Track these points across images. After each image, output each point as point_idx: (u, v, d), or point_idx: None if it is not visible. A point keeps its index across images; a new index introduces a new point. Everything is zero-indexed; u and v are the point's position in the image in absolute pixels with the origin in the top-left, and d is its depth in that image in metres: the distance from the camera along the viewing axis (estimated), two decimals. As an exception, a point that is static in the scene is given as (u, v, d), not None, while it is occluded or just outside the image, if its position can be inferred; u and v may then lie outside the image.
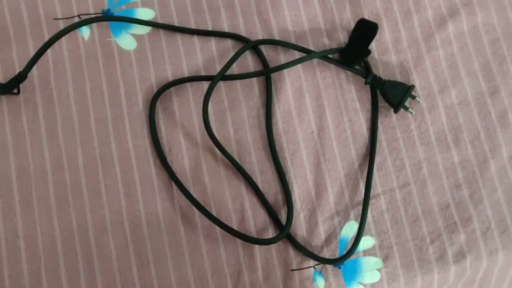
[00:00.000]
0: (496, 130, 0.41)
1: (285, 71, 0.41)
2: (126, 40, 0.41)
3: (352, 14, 0.43)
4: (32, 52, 0.40)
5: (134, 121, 0.39)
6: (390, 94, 0.40)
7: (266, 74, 0.40)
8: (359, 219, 0.38)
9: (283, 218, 0.39)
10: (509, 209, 0.40)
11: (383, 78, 0.40)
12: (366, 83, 0.41)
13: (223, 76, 0.39)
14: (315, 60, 0.41)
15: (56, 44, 0.40)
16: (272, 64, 0.41)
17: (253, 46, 0.41)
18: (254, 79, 0.41)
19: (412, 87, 0.40)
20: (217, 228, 0.38)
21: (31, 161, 0.38)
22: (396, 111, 0.40)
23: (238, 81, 0.41)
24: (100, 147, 0.39)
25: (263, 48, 0.42)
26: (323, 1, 0.43)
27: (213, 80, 0.39)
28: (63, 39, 0.40)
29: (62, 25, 0.41)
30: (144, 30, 0.41)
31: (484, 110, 0.42)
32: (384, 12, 0.43)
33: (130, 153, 0.39)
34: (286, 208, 0.39)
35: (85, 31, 0.41)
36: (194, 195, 0.38)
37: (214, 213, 0.38)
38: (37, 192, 0.38)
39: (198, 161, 0.39)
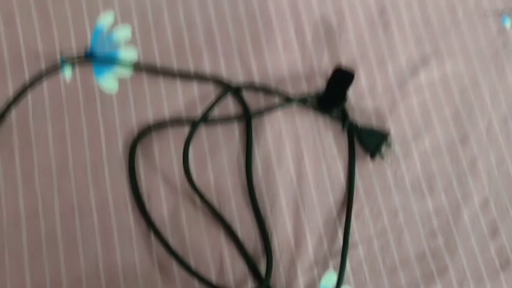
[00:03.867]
0: (467, 178, 0.42)
1: (265, 115, 0.42)
2: (108, 81, 0.41)
3: (330, 60, 0.44)
4: (11, 91, 0.39)
5: (114, 166, 0.39)
6: (366, 141, 0.41)
7: (247, 119, 0.41)
8: (338, 269, 0.38)
9: (262, 268, 0.38)
10: (483, 259, 0.41)
11: (359, 125, 0.41)
12: (343, 130, 0.41)
13: (204, 120, 0.40)
14: (294, 105, 0.42)
15: (36, 83, 0.39)
16: (252, 107, 0.42)
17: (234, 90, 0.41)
18: (235, 122, 0.41)
19: (387, 134, 0.41)
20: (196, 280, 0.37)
21: (4, 207, 0.37)
22: (372, 157, 0.41)
23: (218, 124, 0.41)
24: (78, 193, 0.38)
25: (244, 91, 0.42)
26: (302, 46, 0.44)
27: (192, 127, 0.39)
28: (44, 78, 0.40)
29: (44, 63, 0.40)
30: (126, 71, 0.41)
31: (456, 158, 0.43)
32: (361, 58, 0.44)
33: (108, 200, 0.38)
34: (266, 259, 0.38)
35: (66, 71, 0.41)
36: (173, 245, 0.37)
37: (192, 264, 0.38)
38: (9, 242, 0.36)
39: (177, 208, 0.39)
